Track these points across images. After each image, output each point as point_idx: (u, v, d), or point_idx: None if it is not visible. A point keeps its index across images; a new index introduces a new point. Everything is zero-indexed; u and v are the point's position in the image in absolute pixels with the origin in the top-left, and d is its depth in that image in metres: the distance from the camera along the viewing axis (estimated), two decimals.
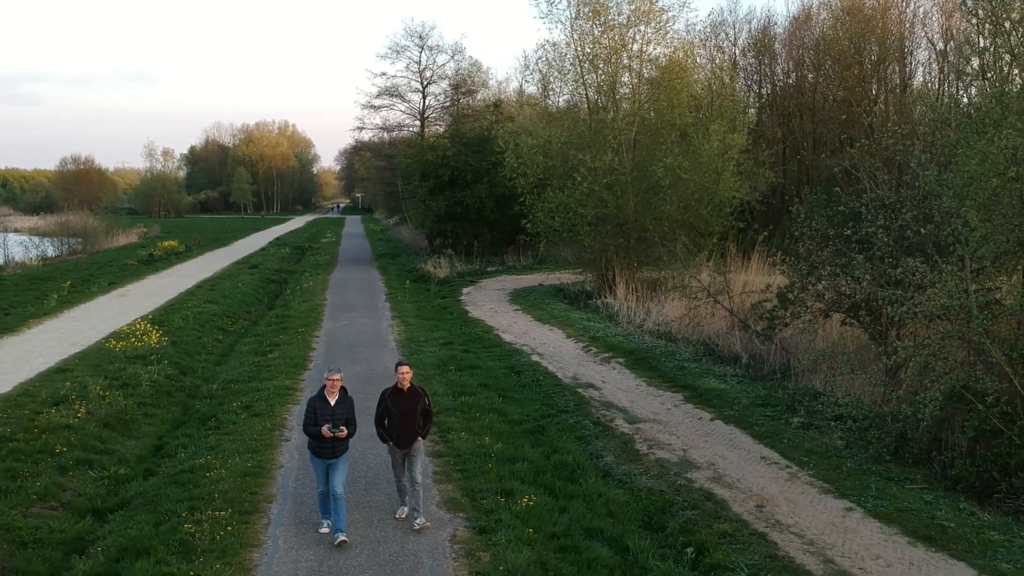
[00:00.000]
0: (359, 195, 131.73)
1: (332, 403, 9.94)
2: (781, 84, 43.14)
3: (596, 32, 29.22)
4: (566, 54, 30.18)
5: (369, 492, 11.46)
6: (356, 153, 72.99)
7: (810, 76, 41.79)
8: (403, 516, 10.52)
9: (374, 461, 12.54)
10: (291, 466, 12.66)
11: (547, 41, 41.27)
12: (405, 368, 10.41)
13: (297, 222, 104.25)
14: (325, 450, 9.90)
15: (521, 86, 56.86)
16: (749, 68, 43.71)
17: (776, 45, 43.65)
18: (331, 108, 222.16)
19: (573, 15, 29.34)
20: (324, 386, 10.05)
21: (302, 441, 12.51)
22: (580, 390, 17.20)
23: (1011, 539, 9.87)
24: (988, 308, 11.17)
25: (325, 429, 9.69)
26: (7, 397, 16.17)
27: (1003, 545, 9.72)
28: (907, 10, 39.09)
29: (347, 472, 10.30)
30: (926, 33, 38.97)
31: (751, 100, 42.72)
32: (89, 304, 29.81)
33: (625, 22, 28.27)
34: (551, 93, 32.50)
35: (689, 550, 9.86)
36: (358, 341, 22.74)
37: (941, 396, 11.42)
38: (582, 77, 30.08)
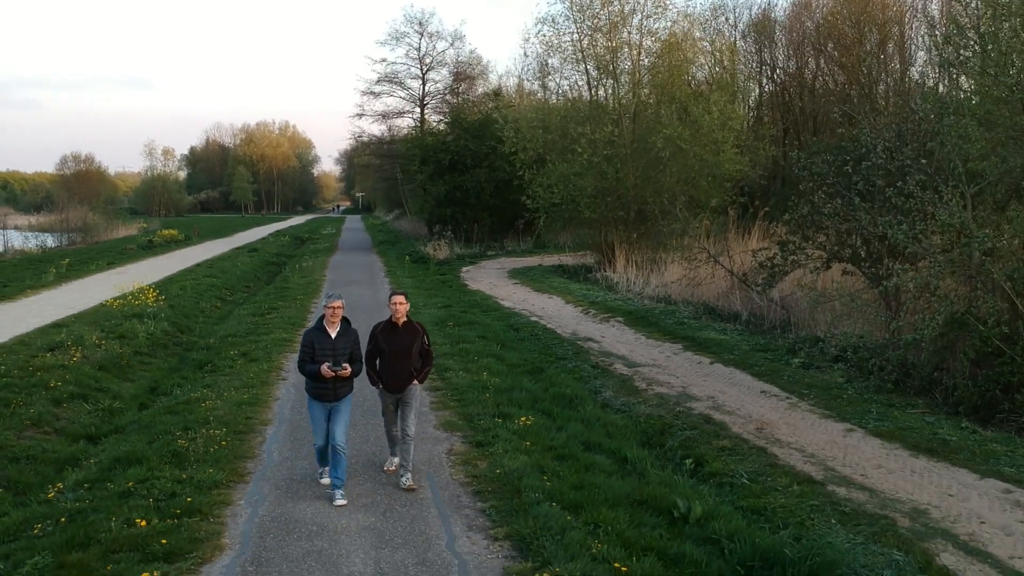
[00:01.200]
0: (359, 195, 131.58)
1: (333, 336, 8.44)
2: (782, 68, 43.04)
3: (596, 6, 29.16)
4: (564, 29, 30.11)
5: (366, 417, 11.33)
6: (357, 148, 72.70)
7: (811, 61, 41.70)
8: (392, 468, 9.13)
9: (372, 392, 12.40)
10: (287, 398, 12.56)
11: (547, 15, 40.92)
12: (399, 298, 8.82)
13: (298, 220, 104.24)
14: (326, 391, 8.43)
15: (520, 79, 56.72)
16: (749, 53, 43.56)
17: (776, 30, 43.53)
18: (332, 113, 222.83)
19: None
20: (323, 316, 8.57)
21: (299, 380, 12.40)
22: (579, 342, 17.10)
23: (1013, 450, 9.76)
24: (988, 229, 11.04)
25: (325, 368, 8.20)
26: (3, 347, 16.04)
27: (1006, 455, 9.61)
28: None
29: (349, 419, 8.77)
30: (926, 18, 38.87)
31: (751, 86, 42.60)
32: (87, 279, 29.70)
33: None
34: (550, 71, 32.30)
35: (688, 461, 9.77)
36: (357, 307, 22.54)
37: (941, 319, 11.32)
38: (581, 52, 30.01)
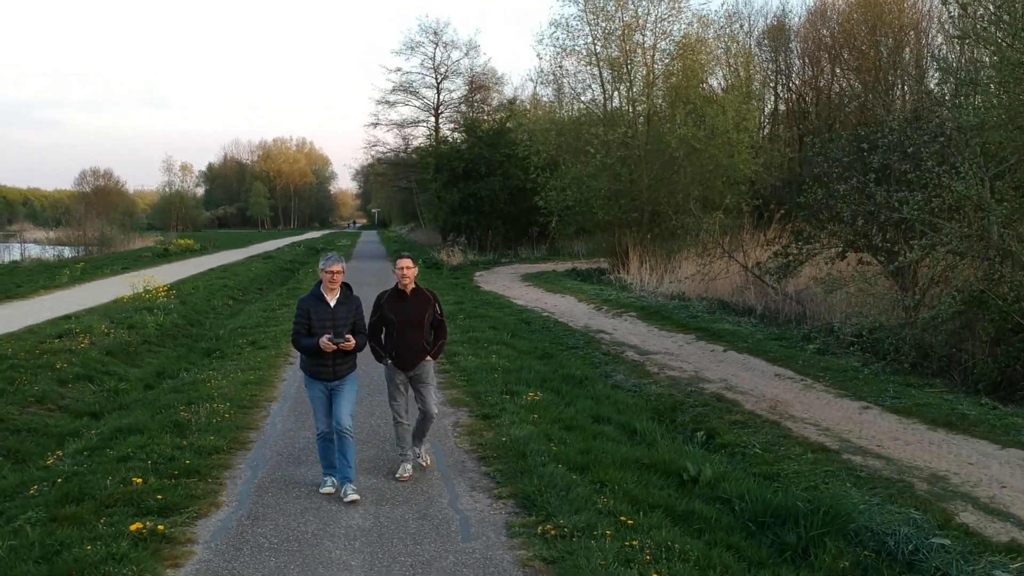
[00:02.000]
0: (375, 210, 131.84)
1: (332, 304, 7.38)
2: (797, 75, 42.85)
3: (610, 8, 29.09)
4: (579, 31, 30.02)
5: (372, 395, 11.14)
6: (372, 164, 72.77)
7: (826, 68, 41.47)
8: (407, 475, 7.75)
9: (376, 370, 12.22)
10: (294, 379, 12.38)
11: (561, 18, 40.71)
12: (406, 261, 7.81)
13: (314, 234, 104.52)
14: (324, 369, 7.36)
15: (535, 85, 56.75)
16: (765, 60, 43.37)
17: (791, 37, 43.34)
18: (349, 131, 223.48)
19: None
20: (319, 282, 7.53)
21: None
22: (591, 334, 16.90)
23: None
24: (1007, 203, 10.77)
25: (324, 340, 7.12)
26: (12, 335, 15.99)
27: None
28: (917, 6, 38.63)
29: (355, 399, 7.65)
30: (942, 26, 38.56)
31: (766, 92, 42.36)
32: (100, 281, 29.77)
33: None
34: (564, 73, 32.07)
35: (699, 434, 9.52)
36: (367, 303, 22.42)
37: (960, 297, 11.05)
38: (595, 55, 29.90)
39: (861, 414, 10.25)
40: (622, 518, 6.43)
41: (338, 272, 7.37)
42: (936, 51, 27.36)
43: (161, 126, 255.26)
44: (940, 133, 12.54)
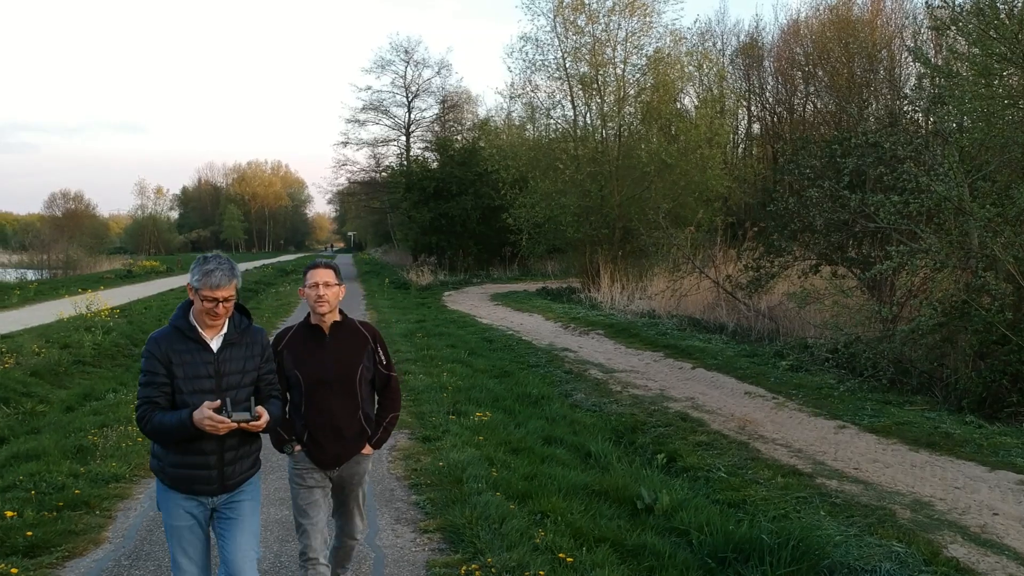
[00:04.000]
0: (351, 233, 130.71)
1: (215, 347, 3.85)
2: (771, 93, 42.49)
3: (580, 22, 28.47)
4: (549, 45, 29.37)
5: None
6: (347, 188, 71.90)
7: (800, 87, 41.13)
8: None
9: None
10: None
11: (531, 33, 39.92)
12: (323, 274, 4.39)
13: (288, 257, 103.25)
14: (202, 473, 3.84)
15: (508, 105, 56.19)
16: (738, 79, 42.97)
17: (765, 59, 43.02)
18: (326, 157, 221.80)
19: (557, 3, 28.53)
20: (184, 304, 3.91)
21: None
22: (554, 352, 16.04)
23: None
24: (989, 206, 10.04)
25: (208, 412, 3.59)
26: None
27: (1017, 447, 8.54)
28: (890, 25, 38.33)
29: (259, 529, 4.12)
30: (915, 40, 38.28)
31: (739, 108, 41.95)
32: (54, 302, 28.52)
33: (611, 7, 27.49)
34: (534, 88, 31.28)
35: (660, 456, 8.63)
36: None
37: (940, 308, 10.29)
38: (565, 69, 29.22)
39: (837, 434, 9.44)
40: (561, 555, 5.55)
41: (227, 299, 3.78)
42: (911, 43, 26.75)
43: (137, 150, 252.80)
44: (917, 136, 11.86)
